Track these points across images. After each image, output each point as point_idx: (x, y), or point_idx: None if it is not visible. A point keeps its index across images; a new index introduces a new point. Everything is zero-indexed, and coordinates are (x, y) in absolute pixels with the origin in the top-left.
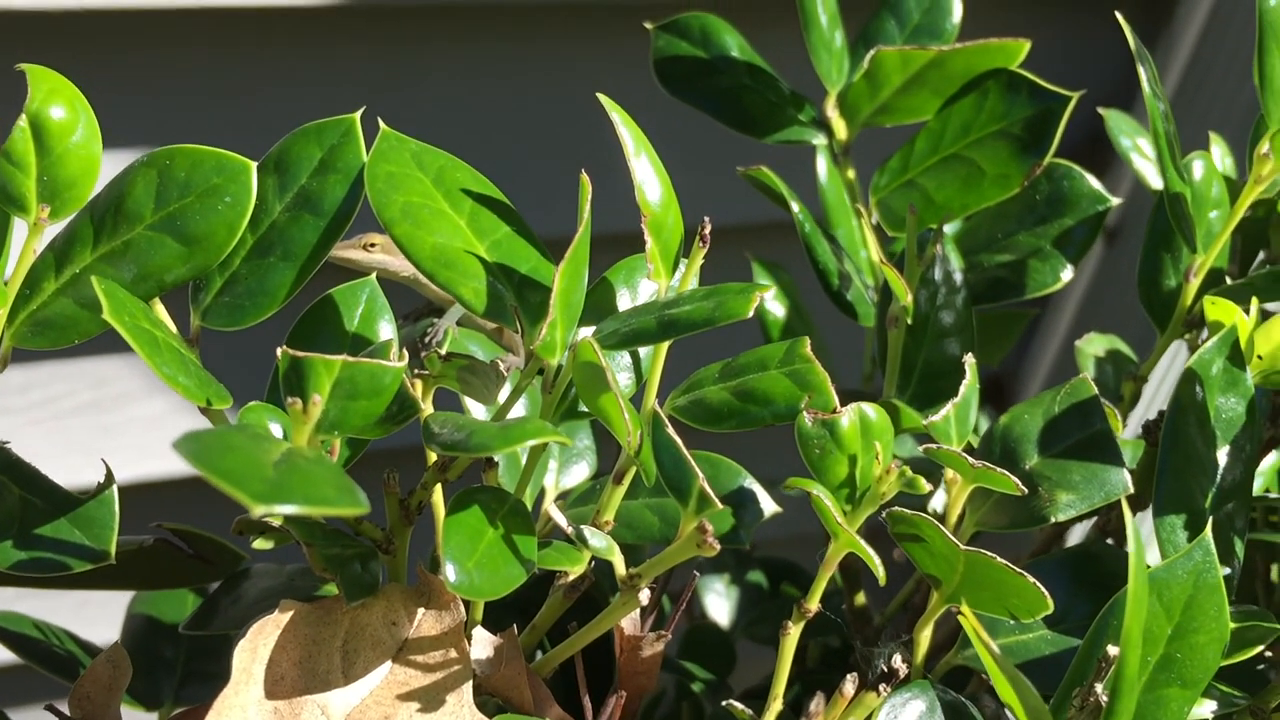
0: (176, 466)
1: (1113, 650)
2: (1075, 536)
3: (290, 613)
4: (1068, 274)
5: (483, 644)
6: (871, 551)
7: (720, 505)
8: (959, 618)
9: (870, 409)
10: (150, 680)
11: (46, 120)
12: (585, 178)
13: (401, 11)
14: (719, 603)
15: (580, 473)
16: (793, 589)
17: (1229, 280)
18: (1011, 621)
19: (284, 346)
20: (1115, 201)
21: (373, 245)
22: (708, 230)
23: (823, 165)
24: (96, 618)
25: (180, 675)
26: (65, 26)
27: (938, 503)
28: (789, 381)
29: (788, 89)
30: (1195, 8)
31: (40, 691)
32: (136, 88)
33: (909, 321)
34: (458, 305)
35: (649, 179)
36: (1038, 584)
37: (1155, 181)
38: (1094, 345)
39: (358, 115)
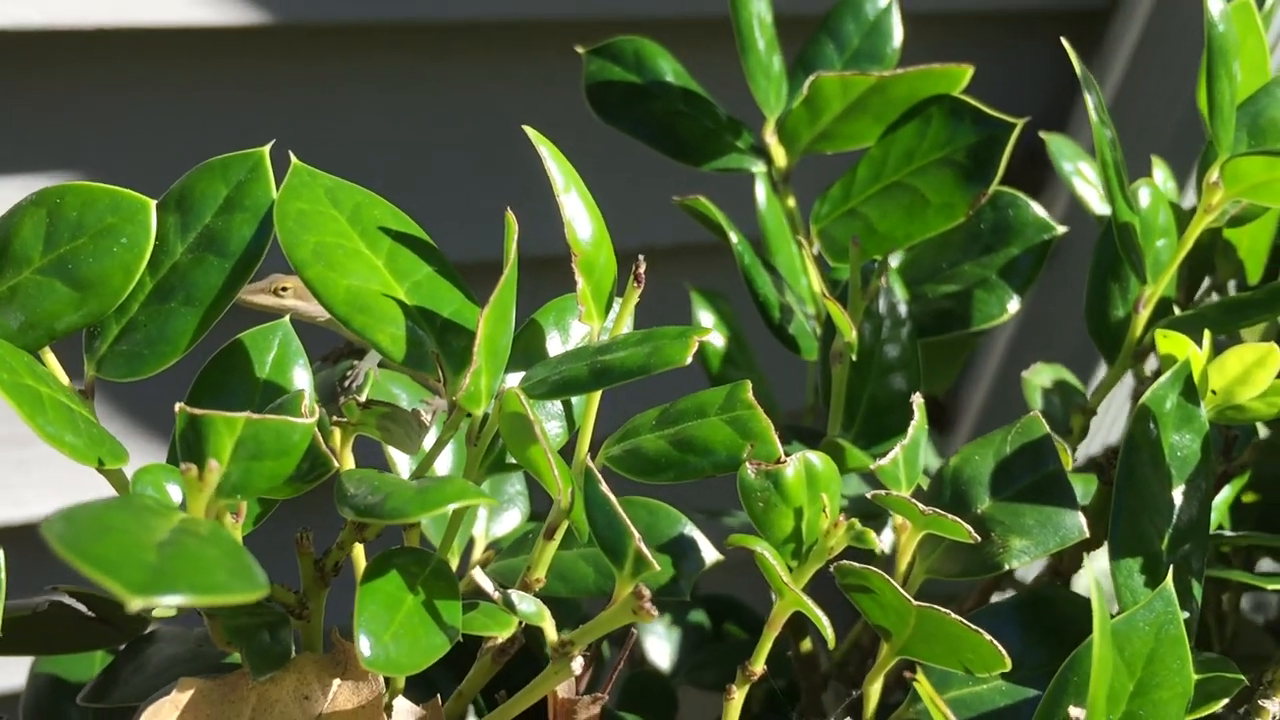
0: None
1: (1075, 712)
2: (1028, 572)
3: (190, 692)
4: (1014, 305)
5: (404, 716)
6: (820, 612)
7: (658, 567)
8: (913, 683)
9: (816, 458)
10: None
11: None
12: (510, 216)
13: (328, 31)
14: (660, 645)
15: (512, 520)
16: (737, 629)
17: (1176, 310)
18: (960, 674)
19: (181, 404)
20: (1061, 230)
21: (284, 290)
22: (642, 270)
23: (762, 192)
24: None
25: None
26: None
27: (885, 544)
28: (730, 429)
29: (725, 115)
30: (1126, 31)
31: None
32: (41, 112)
33: (853, 358)
34: None
35: (579, 216)
36: (994, 642)
37: (1098, 207)
38: (1041, 376)
39: (266, 149)
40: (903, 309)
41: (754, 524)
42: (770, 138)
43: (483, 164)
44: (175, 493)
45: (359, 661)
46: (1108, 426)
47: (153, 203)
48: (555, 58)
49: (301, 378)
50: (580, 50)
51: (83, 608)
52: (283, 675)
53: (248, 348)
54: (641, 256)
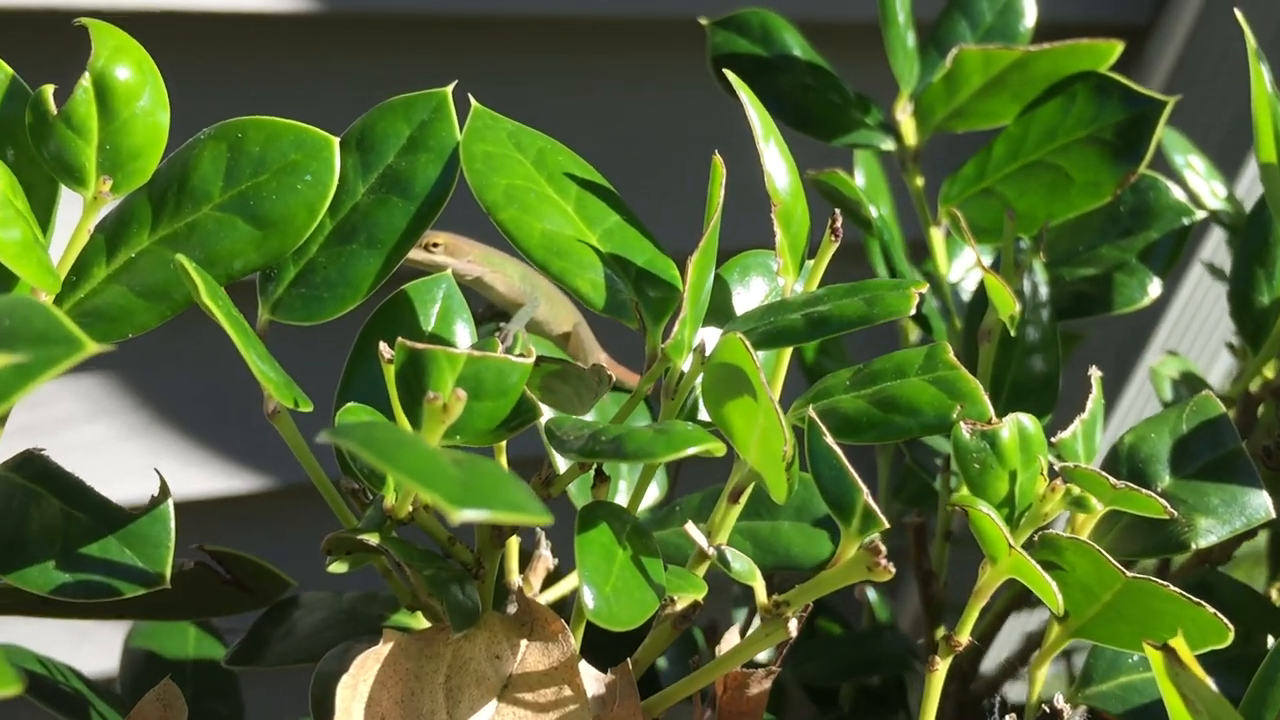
0: (120, 493)
1: None
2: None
3: (391, 644)
4: (1155, 288)
5: (591, 681)
6: (1047, 576)
7: (887, 524)
8: (1151, 653)
9: (1028, 420)
10: None
11: (111, 81)
12: (718, 159)
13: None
14: None
15: (651, 495)
16: (831, 624)
17: None
18: (1134, 659)
19: (401, 340)
20: (1201, 214)
21: (435, 245)
22: (839, 223)
23: (861, 174)
24: (93, 652)
25: (187, 715)
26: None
27: None
28: (935, 389)
29: (852, 91)
30: (1165, 47)
31: None
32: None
33: (1012, 333)
34: (526, 308)
35: (778, 167)
36: (1218, 614)
37: (1209, 200)
38: (1169, 367)
39: (449, 89)
40: (1044, 291)
41: (969, 486)
42: (902, 114)
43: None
44: None
45: (549, 617)
46: None
47: (337, 140)
48: (631, 54)
49: (464, 331)
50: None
51: (221, 570)
52: (475, 633)
53: (412, 300)
54: (838, 210)
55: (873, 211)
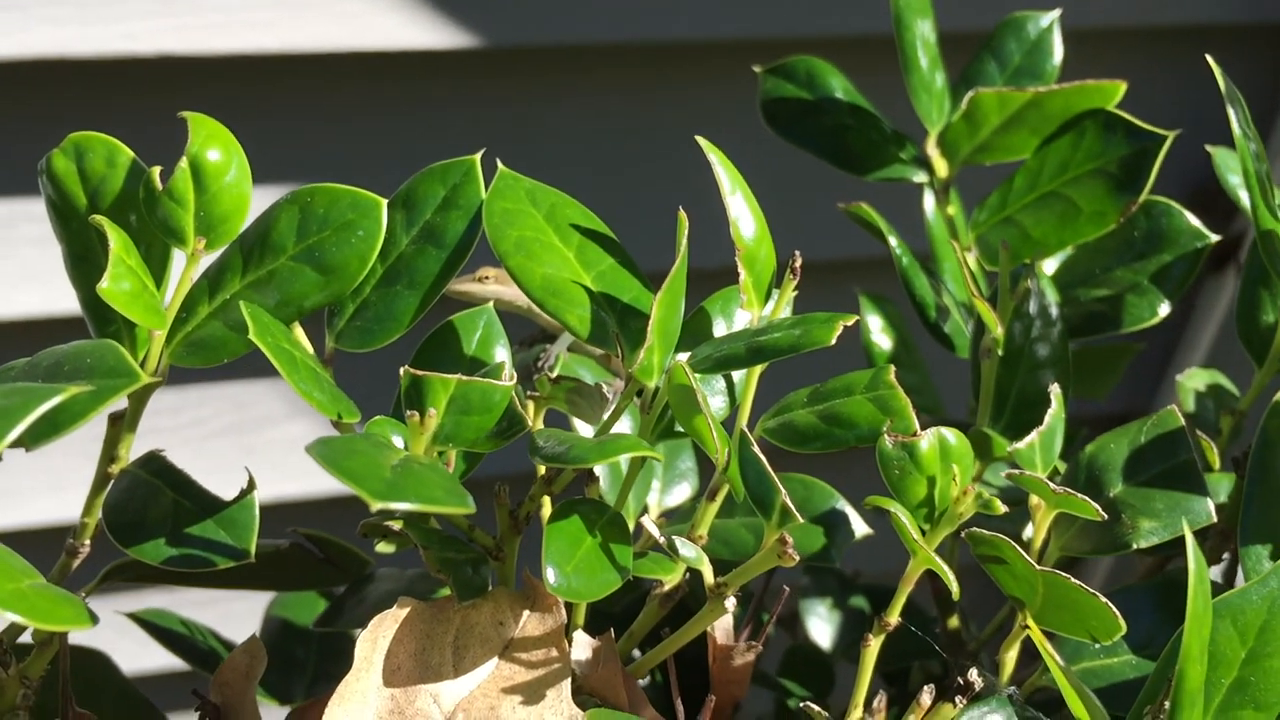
0: (313, 487)
1: None
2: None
3: (408, 609)
4: (1165, 309)
5: (582, 646)
6: (946, 568)
7: (800, 519)
8: (1027, 632)
9: (950, 433)
10: (284, 677)
11: (204, 162)
12: (683, 214)
13: (530, 53)
14: (821, 626)
15: (682, 493)
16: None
17: None
18: (1096, 646)
19: (407, 367)
20: (1214, 238)
21: (487, 278)
22: (798, 264)
23: (930, 202)
24: (234, 618)
25: (311, 675)
26: (212, 71)
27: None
28: (872, 406)
29: (890, 128)
30: None
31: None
32: (284, 128)
33: (1000, 353)
34: (568, 333)
35: (743, 215)
36: (1110, 605)
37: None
38: (1194, 380)
39: (478, 157)
40: (1054, 310)
41: (890, 489)
42: (932, 150)
43: (667, 183)
44: (397, 441)
45: (546, 594)
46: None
47: (384, 201)
48: (732, 79)
49: (501, 354)
50: (756, 69)
51: (315, 550)
52: (483, 603)
53: (457, 328)
54: (797, 252)
55: (891, 240)
